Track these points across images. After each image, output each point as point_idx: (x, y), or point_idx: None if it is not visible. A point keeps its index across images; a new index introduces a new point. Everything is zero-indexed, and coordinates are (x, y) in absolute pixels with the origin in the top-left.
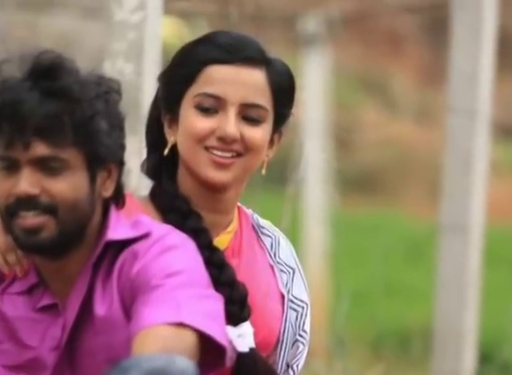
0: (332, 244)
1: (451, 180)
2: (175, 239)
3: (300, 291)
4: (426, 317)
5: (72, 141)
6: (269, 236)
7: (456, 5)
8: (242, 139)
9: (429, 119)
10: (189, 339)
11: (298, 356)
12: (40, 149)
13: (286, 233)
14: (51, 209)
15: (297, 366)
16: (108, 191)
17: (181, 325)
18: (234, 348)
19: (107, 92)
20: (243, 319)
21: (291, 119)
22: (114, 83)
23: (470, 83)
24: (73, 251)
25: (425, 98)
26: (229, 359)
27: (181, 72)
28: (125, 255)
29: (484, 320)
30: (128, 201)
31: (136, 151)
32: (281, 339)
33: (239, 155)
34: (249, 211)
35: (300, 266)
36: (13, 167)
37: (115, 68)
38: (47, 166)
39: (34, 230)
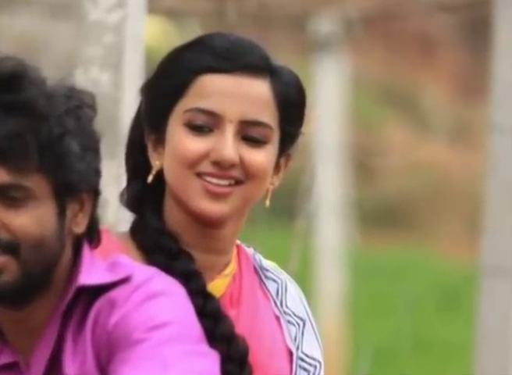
0: (350, 290)
1: (493, 213)
2: (161, 284)
3: (311, 346)
4: None
5: (37, 166)
6: (274, 280)
7: (499, 1)
8: (241, 163)
9: (467, 140)
10: None
11: None
12: None
13: (294, 276)
14: (11, 248)
15: None
16: (80, 226)
17: None
18: None
19: (79, 107)
20: None
21: (301, 139)
22: (87, 96)
23: None
24: (38, 299)
25: (462, 113)
26: None
27: (168, 83)
28: (100, 303)
29: None
30: (104, 238)
31: (114, 177)
32: None
33: (238, 182)
34: (250, 250)
35: (311, 317)
36: None
37: (88, 77)
38: (7, 196)
39: None
